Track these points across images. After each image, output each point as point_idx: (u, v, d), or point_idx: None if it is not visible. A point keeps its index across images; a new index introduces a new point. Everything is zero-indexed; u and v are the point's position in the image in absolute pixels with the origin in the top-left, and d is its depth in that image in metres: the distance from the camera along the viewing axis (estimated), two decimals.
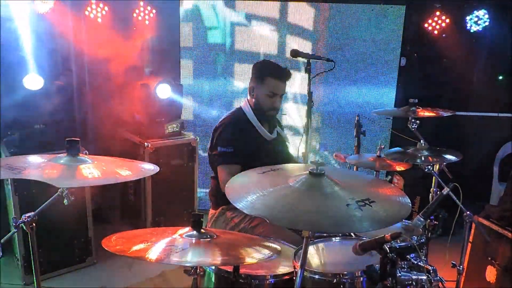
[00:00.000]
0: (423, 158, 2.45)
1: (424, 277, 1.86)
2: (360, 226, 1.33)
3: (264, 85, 2.61)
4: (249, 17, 4.41)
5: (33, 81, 3.43)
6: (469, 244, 2.96)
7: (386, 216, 1.36)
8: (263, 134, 2.68)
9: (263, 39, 4.46)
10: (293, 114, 4.59)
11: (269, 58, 4.15)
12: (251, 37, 4.46)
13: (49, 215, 3.15)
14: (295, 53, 2.69)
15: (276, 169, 1.72)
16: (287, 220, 1.34)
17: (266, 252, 1.56)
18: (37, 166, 1.59)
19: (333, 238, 2.09)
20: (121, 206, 4.57)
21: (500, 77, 4.81)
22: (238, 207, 1.37)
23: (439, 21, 4.44)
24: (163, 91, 4.02)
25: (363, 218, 1.32)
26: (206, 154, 2.79)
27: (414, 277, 1.84)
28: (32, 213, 1.59)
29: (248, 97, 2.71)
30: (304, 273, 1.70)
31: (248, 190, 1.46)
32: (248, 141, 2.59)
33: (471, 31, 4.47)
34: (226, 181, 2.51)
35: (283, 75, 2.63)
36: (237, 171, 2.49)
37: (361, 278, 1.70)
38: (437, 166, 2.53)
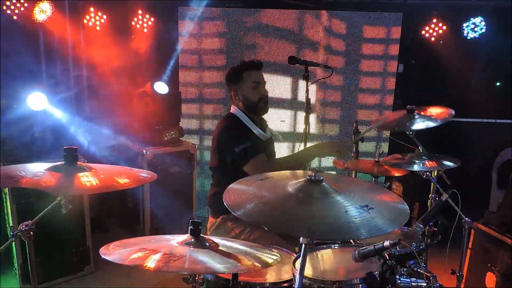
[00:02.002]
0: (421, 164, 2.45)
1: (424, 284, 1.86)
2: (358, 232, 1.32)
3: (245, 81, 2.63)
4: (249, 24, 4.43)
5: (36, 100, 3.40)
6: (469, 251, 2.96)
7: (385, 223, 1.36)
8: (259, 135, 2.67)
9: (261, 47, 4.48)
10: (291, 120, 4.60)
11: (266, 66, 4.17)
12: (249, 44, 4.48)
13: (48, 224, 3.16)
14: (293, 60, 2.70)
15: (270, 176, 1.69)
16: (285, 227, 1.33)
17: (265, 259, 1.55)
18: (35, 174, 1.58)
19: (332, 245, 2.08)
20: (119, 214, 4.56)
21: (498, 84, 4.83)
22: (235, 215, 1.36)
23: (436, 28, 4.47)
24: (160, 87, 4.05)
25: (362, 225, 1.31)
26: (209, 163, 2.76)
27: (413, 283, 1.83)
28: (30, 222, 1.58)
29: (233, 105, 2.70)
30: (303, 281, 1.70)
31: (246, 198, 1.46)
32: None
33: (468, 38, 4.50)
34: (264, 169, 2.28)
35: (255, 64, 2.67)
36: (265, 158, 2.52)
37: (361, 286, 1.69)
38: (436, 172, 2.54)
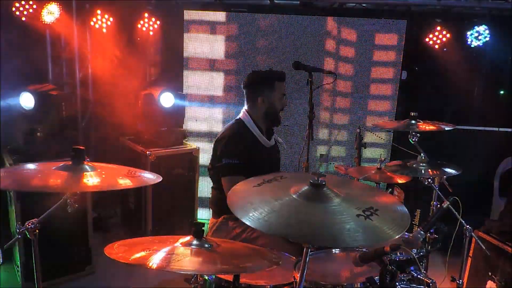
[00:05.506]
0: (423, 171, 2.46)
1: None
2: (359, 240, 1.31)
3: (275, 90, 2.73)
4: (252, 28, 4.46)
5: (27, 100, 3.44)
6: (469, 259, 2.96)
7: (387, 229, 1.35)
8: (263, 142, 2.74)
9: (266, 51, 4.50)
10: (294, 125, 4.61)
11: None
12: (253, 48, 4.50)
13: (50, 223, 3.13)
14: (297, 65, 2.73)
15: (270, 180, 1.64)
16: (290, 235, 1.33)
17: (267, 262, 1.57)
18: (42, 173, 1.60)
19: (333, 249, 2.09)
20: (121, 215, 4.58)
21: (501, 92, 4.83)
22: (241, 219, 1.34)
23: (440, 36, 4.48)
24: (167, 99, 4.08)
25: (363, 232, 1.31)
26: (208, 165, 2.81)
27: None
28: (36, 220, 1.60)
29: (252, 108, 2.75)
30: (304, 284, 1.71)
31: (250, 202, 1.45)
32: (251, 151, 2.63)
33: (472, 46, 4.50)
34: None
35: (284, 76, 2.80)
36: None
37: None
38: (437, 180, 2.54)
